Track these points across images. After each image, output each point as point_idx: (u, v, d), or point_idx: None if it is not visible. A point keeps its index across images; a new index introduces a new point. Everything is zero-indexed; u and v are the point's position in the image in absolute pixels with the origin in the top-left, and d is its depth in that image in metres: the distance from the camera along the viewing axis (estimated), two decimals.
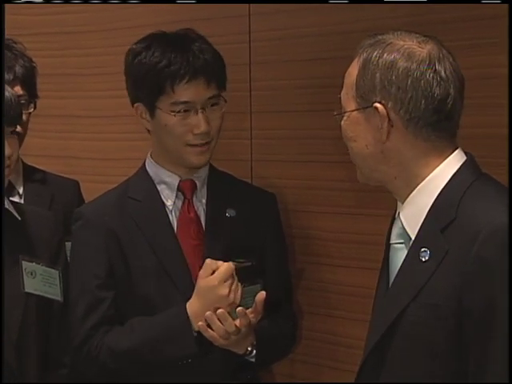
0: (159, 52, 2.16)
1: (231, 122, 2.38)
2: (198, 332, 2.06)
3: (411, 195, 1.68)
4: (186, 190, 2.24)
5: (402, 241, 1.70)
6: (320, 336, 2.54)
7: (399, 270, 1.68)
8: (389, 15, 2.25)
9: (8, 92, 2.09)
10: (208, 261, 2.08)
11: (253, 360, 2.15)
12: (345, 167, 2.26)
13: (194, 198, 2.25)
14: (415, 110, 1.63)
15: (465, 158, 1.68)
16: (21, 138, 2.31)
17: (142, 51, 2.19)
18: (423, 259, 1.61)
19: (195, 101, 2.16)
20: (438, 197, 1.64)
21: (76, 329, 2.15)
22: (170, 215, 2.22)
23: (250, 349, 2.13)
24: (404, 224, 1.69)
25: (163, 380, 2.15)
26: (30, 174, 2.56)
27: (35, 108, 2.50)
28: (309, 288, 2.54)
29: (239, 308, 2.03)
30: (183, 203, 2.24)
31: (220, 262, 2.07)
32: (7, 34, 2.70)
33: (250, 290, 2.11)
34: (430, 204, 1.64)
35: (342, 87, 1.73)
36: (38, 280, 2.13)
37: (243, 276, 2.09)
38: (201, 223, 2.23)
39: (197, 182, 2.26)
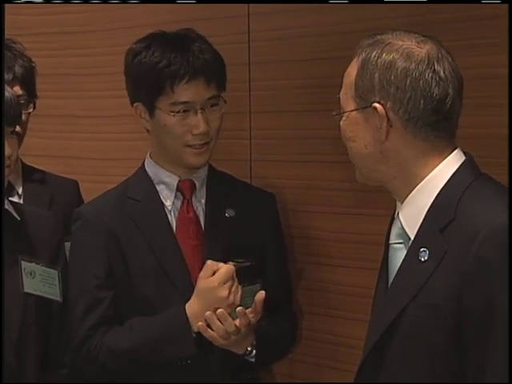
0: (159, 52, 2.16)
1: (230, 121, 2.38)
2: (198, 333, 2.06)
3: (410, 195, 1.68)
4: (185, 190, 2.24)
5: (401, 241, 1.70)
6: (320, 336, 2.54)
7: (398, 270, 1.68)
8: (389, 15, 2.25)
9: (8, 92, 2.09)
10: (209, 262, 2.08)
11: (252, 360, 2.15)
12: (344, 167, 2.26)
13: (193, 198, 2.25)
14: (414, 110, 1.63)
15: (464, 158, 1.68)
16: (20, 138, 2.31)
17: (142, 51, 2.19)
18: (422, 259, 1.61)
19: (195, 101, 2.16)
20: (437, 197, 1.64)
21: (75, 329, 2.15)
22: (169, 215, 2.22)
23: (249, 349, 2.13)
24: (403, 224, 1.69)
25: (163, 380, 2.15)
26: (30, 174, 2.56)
27: (34, 108, 2.50)
28: (309, 288, 2.54)
29: (239, 308, 2.03)
30: (182, 203, 2.24)
31: (221, 264, 2.07)
32: (7, 33, 2.70)
33: (249, 290, 2.11)
34: (429, 204, 1.64)
35: (341, 87, 1.73)
36: (38, 280, 2.13)
37: (242, 276, 2.09)
38: (200, 223, 2.23)
39: (196, 182, 2.26)
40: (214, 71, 2.18)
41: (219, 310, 2.02)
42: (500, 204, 1.57)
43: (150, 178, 2.25)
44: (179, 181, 2.24)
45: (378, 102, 1.64)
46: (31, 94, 2.49)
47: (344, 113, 1.70)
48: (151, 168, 2.26)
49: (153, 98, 2.17)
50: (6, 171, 2.09)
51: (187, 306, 2.08)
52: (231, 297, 2.05)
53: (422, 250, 1.62)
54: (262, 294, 2.06)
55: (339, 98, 1.73)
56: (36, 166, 2.62)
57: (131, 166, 2.38)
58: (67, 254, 2.25)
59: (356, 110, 1.68)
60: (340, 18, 2.38)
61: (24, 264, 2.11)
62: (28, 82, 2.48)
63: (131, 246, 2.18)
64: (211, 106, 2.19)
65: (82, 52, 3.03)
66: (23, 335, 2.08)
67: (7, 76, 2.39)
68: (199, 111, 2.16)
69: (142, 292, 2.16)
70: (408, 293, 1.62)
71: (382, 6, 2.26)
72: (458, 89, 1.65)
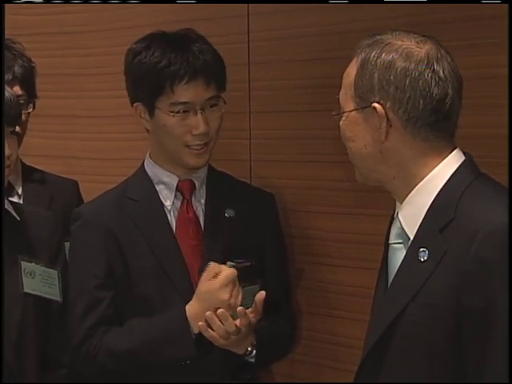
0: (159, 52, 2.16)
1: (230, 121, 2.38)
2: (197, 334, 2.06)
3: (410, 195, 1.68)
4: (184, 190, 2.24)
5: (400, 241, 1.70)
6: (320, 336, 2.54)
7: (398, 270, 1.67)
8: (388, 15, 2.25)
9: (7, 92, 2.09)
10: (212, 264, 2.08)
11: (252, 360, 2.14)
12: (344, 167, 2.25)
13: (193, 198, 2.25)
14: (413, 110, 1.63)
15: (463, 157, 1.68)
16: (20, 138, 2.31)
17: (142, 51, 2.19)
18: (422, 259, 1.61)
19: (194, 101, 2.15)
20: (436, 197, 1.64)
21: (74, 329, 2.15)
22: (168, 215, 2.22)
23: (249, 349, 2.12)
24: (403, 224, 1.68)
25: (162, 380, 2.15)
26: (29, 174, 2.56)
27: (34, 108, 2.50)
28: (309, 288, 2.54)
29: (239, 308, 2.03)
30: (182, 203, 2.24)
31: (223, 267, 2.07)
32: (7, 33, 2.70)
33: (249, 290, 2.10)
34: (429, 204, 1.64)
35: (341, 87, 1.72)
36: (37, 280, 2.13)
37: (242, 276, 2.09)
38: (200, 223, 2.23)
39: (196, 182, 2.26)
40: (213, 72, 2.18)
41: (220, 310, 2.02)
42: (500, 204, 1.58)
43: (149, 177, 2.25)
44: (179, 181, 2.24)
45: (378, 102, 1.64)
46: (31, 94, 2.49)
47: (343, 113, 1.70)
48: (151, 168, 2.26)
49: (153, 98, 2.17)
50: (6, 171, 2.09)
51: (187, 307, 2.08)
52: (232, 300, 2.04)
53: (421, 250, 1.62)
54: (262, 294, 2.06)
55: (339, 98, 1.73)
56: (36, 166, 2.62)
57: (131, 166, 2.38)
58: (67, 254, 2.25)
59: (355, 110, 1.68)
60: (340, 17, 2.38)
61: (24, 264, 2.11)
62: (28, 81, 2.48)
63: (131, 246, 2.18)
64: (211, 106, 2.19)
65: (82, 52, 3.03)
66: (23, 335, 2.08)
67: (7, 76, 2.40)
68: (199, 112, 2.16)
69: (142, 292, 2.16)
70: (407, 293, 1.62)
71: (382, 5, 2.26)
72: (457, 89, 1.65)
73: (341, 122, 1.71)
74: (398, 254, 1.69)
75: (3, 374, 1.99)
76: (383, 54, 1.64)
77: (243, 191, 2.33)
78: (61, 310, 2.18)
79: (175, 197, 2.24)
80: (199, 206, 2.25)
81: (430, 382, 1.60)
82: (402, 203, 1.69)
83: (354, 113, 1.68)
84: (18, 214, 2.17)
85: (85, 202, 2.55)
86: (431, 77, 1.62)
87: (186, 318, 2.06)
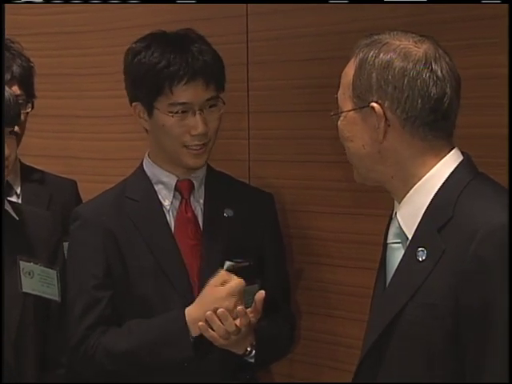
0: (158, 52, 2.16)
1: (229, 121, 2.38)
2: (196, 337, 2.06)
3: (408, 195, 1.67)
4: (183, 190, 2.24)
5: (398, 240, 1.70)
6: (319, 336, 2.54)
7: (396, 269, 1.67)
8: (388, 15, 2.25)
9: (7, 92, 2.09)
10: (223, 272, 2.07)
11: (252, 360, 2.14)
12: (343, 167, 2.25)
13: (192, 198, 2.25)
14: (412, 110, 1.63)
15: (461, 157, 1.67)
16: (18, 138, 2.31)
17: (142, 51, 2.19)
18: (420, 259, 1.61)
19: (193, 102, 2.15)
20: (434, 196, 1.64)
21: (73, 328, 2.15)
22: (167, 215, 2.22)
23: (249, 349, 2.12)
24: (401, 224, 1.68)
25: (162, 381, 2.15)
26: (28, 174, 2.56)
27: (33, 108, 2.50)
28: (308, 288, 2.54)
29: (239, 307, 2.03)
30: (180, 203, 2.24)
31: (234, 276, 2.06)
32: (7, 33, 2.70)
33: (248, 289, 2.10)
34: (427, 203, 1.64)
35: (339, 87, 1.72)
36: (36, 280, 2.13)
37: (241, 276, 2.08)
38: (198, 223, 2.23)
39: (194, 182, 2.26)
40: (213, 72, 2.18)
41: (220, 310, 2.02)
42: (498, 203, 1.57)
43: (148, 177, 2.25)
44: (177, 181, 2.24)
45: (376, 102, 1.64)
46: (29, 93, 2.49)
47: (342, 113, 1.70)
48: (149, 168, 2.26)
49: (151, 98, 2.17)
50: (5, 171, 2.09)
51: (188, 310, 2.08)
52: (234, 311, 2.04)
53: (419, 249, 1.61)
54: (262, 294, 2.06)
55: (337, 98, 1.72)
56: (35, 166, 2.62)
57: (131, 166, 2.38)
58: (66, 254, 2.25)
59: (354, 109, 1.68)
60: (339, 17, 2.38)
61: (22, 264, 2.11)
62: (26, 81, 2.48)
63: (129, 246, 2.18)
64: (210, 106, 2.19)
65: (82, 52, 3.03)
66: (22, 335, 2.08)
67: (6, 76, 2.39)
68: (197, 112, 2.16)
69: (141, 292, 2.16)
70: (406, 292, 1.61)
71: (382, 5, 2.26)
72: (455, 88, 1.65)
73: (339, 122, 1.71)
74: (397, 254, 1.69)
75: (3, 373, 1.99)
76: (381, 54, 1.64)
77: (242, 191, 2.33)
78: (59, 309, 2.18)
79: (174, 197, 2.24)
80: (198, 205, 2.25)
81: (428, 382, 1.60)
82: (400, 203, 1.69)
83: (352, 113, 1.68)
84: (16, 214, 2.17)
85: (84, 202, 2.55)
86: (429, 76, 1.62)
87: (185, 321, 2.06)
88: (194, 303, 2.08)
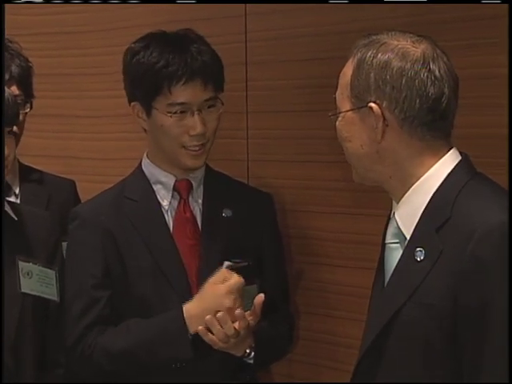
0: (157, 52, 2.16)
1: (228, 121, 2.38)
2: (194, 335, 2.06)
3: (406, 195, 1.67)
4: (181, 190, 2.24)
5: (397, 240, 1.70)
6: (319, 336, 2.54)
7: (394, 269, 1.67)
8: (388, 15, 2.25)
9: (6, 92, 2.09)
10: (224, 270, 2.07)
11: (251, 362, 2.14)
12: (342, 167, 2.25)
13: (190, 198, 2.25)
14: (410, 110, 1.63)
15: (460, 157, 1.68)
16: (17, 138, 2.31)
17: (141, 50, 2.19)
18: (418, 259, 1.61)
19: (192, 102, 2.15)
20: (433, 196, 1.64)
21: (71, 328, 2.15)
22: (165, 215, 2.22)
23: (248, 351, 2.12)
24: (399, 224, 1.68)
25: (161, 381, 2.15)
26: (27, 174, 2.56)
27: (31, 108, 2.50)
28: (307, 288, 2.54)
29: (238, 310, 2.03)
30: (179, 203, 2.24)
31: (234, 274, 2.06)
32: (7, 33, 2.70)
33: (247, 290, 2.10)
34: (425, 203, 1.64)
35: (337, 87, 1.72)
36: (35, 280, 2.13)
37: (240, 276, 2.08)
38: (197, 223, 2.23)
39: (193, 182, 2.25)
40: (211, 73, 2.18)
41: (220, 313, 2.02)
42: (496, 203, 1.57)
43: (146, 177, 2.25)
44: (176, 180, 2.24)
45: (374, 102, 1.64)
46: (28, 93, 2.49)
47: (340, 113, 1.70)
48: (148, 168, 2.26)
49: (150, 98, 2.17)
50: (4, 171, 2.09)
51: (186, 306, 2.07)
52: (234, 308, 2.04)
53: (417, 249, 1.61)
54: (261, 298, 2.05)
55: (335, 98, 1.72)
56: (34, 166, 2.62)
57: (131, 165, 2.38)
58: (64, 254, 2.25)
59: (352, 110, 1.68)
60: (338, 17, 2.37)
61: (21, 264, 2.11)
62: (25, 81, 2.48)
63: (128, 246, 2.18)
64: (208, 107, 2.19)
65: (82, 52, 3.03)
66: (20, 335, 2.08)
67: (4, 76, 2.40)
68: (196, 112, 2.16)
69: (139, 292, 2.16)
70: (404, 292, 1.61)
71: (382, 6, 2.26)
72: (453, 88, 1.65)
73: (337, 122, 1.71)
74: (395, 254, 1.69)
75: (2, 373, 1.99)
76: (379, 54, 1.64)
77: (241, 191, 2.33)
78: (58, 309, 2.17)
79: (172, 197, 2.24)
80: (196, 205, 2.25)
81: (427, 382, 1.60)
82: (398, 203, 1.69)
83: (350, 113, 1.68)
84: (15, 214, 2.17)
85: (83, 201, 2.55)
86: (427, 76, 1.62)
87: (184, 320, 2.06)
88: (193, 300, 2.08)
